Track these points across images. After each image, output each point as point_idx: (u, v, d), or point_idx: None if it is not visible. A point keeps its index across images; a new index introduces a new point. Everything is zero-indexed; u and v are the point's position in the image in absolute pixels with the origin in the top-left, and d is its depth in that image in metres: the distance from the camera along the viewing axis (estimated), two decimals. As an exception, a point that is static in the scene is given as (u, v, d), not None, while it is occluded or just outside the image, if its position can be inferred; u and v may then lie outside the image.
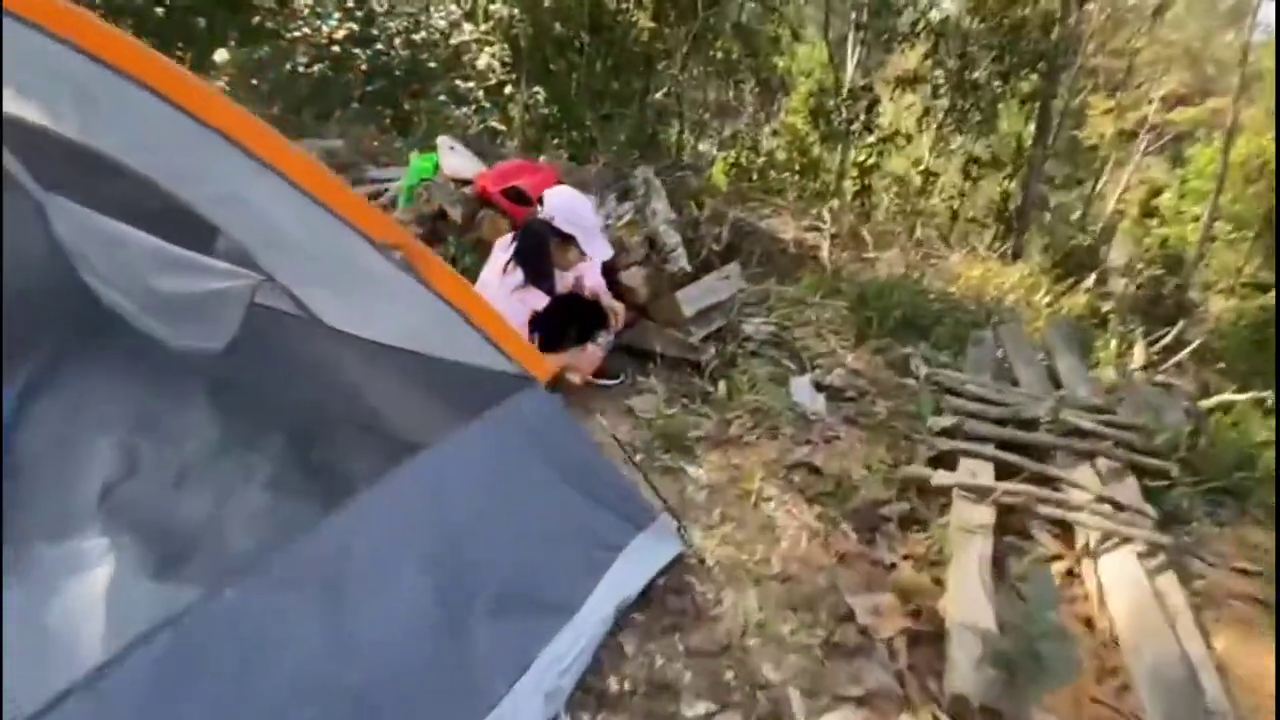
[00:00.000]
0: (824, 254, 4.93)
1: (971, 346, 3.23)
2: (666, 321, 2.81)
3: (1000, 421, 2.45)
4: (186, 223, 1.48)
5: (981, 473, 2.16)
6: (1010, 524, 2.09)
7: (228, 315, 1.76)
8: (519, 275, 2.23)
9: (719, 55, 8.10)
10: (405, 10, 6.68)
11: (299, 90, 6.05)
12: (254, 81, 6.24)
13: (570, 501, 1.49)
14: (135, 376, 2.12)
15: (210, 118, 1.15)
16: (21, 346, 2.01)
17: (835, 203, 6.66)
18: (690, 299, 2.82)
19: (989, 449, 2.29)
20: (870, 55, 9.60)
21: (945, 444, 2.31)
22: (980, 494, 2.03)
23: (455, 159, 3.04)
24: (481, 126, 6.44)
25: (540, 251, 2.24)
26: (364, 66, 6.24)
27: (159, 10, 6.57)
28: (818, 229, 5.46)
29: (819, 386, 2.90)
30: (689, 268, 2.81)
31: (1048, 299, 5.07)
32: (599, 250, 2.27)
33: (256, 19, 6.14)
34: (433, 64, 6.68)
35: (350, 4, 6.32)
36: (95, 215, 1.73)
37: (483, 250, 2.96)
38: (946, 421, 2.40)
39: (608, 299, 2.57)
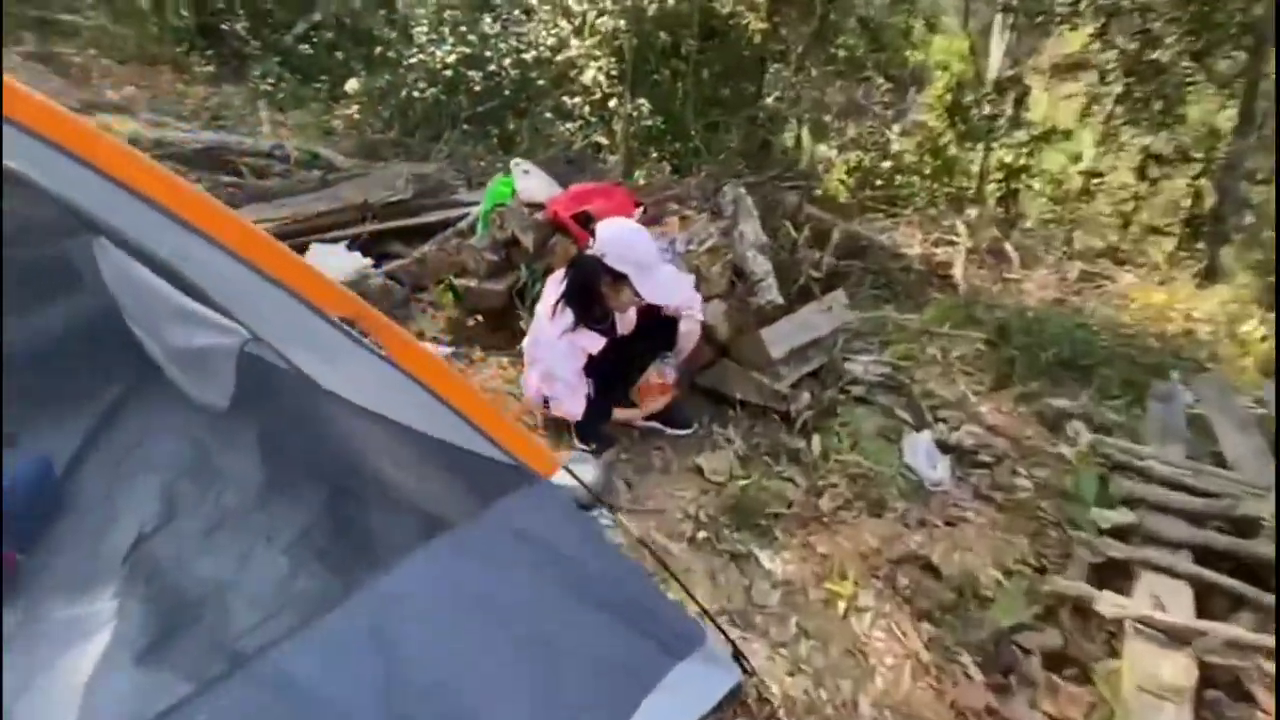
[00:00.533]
0: (957, 273, 4.24)
1: (1153, 401, 2.51)
2: (750, 363, 2.41)
3: (1200, 519, 1.80)
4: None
5: (1173, 598, 1.56)
6: (1215, 675, 1.48)
7: (223, 370, 1.63)
8: (569, 316, 1.95)
9: (841, 53, 7.46)
10: (515, 31, 6.71)
11: (414, 115, 6.24)
12: (379, 108, 6.52)
13: (582, 627, 1.16)
14: (196, 414, 2.08)
15: (143, 186, 0.96)
16: (84, 395, 2.03)
17: (974, 211, 5.82)
18: (779, 337, 2.40)
19: (1184, 560, 1.67)
20: (1020, 42, 8.46)
21: (1117, 548, 1.72)
22: (1173, 636, 1.44)
23: (529, 182, 2.84)
24: (585, 141, 6.31)
25: (589, 291, 1.95)
26: (476, 88, 6.33)
27: (304, 47, 7.13)
28: (950, 242, 4.74)
29: (942, 447, 2.36)
30: (780, 299, 2.39)
31: (1261, 333, 3.95)
32: (654, 292, 1.94)
33: (379, 49, 6.44)
34: (541, 81, 6.67)
35: (464, 29, 6.45)
36: (128, 259, 1.66)
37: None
38: (1119, 517, 1.80)
39: (688, 321, 2.23)
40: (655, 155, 6.10)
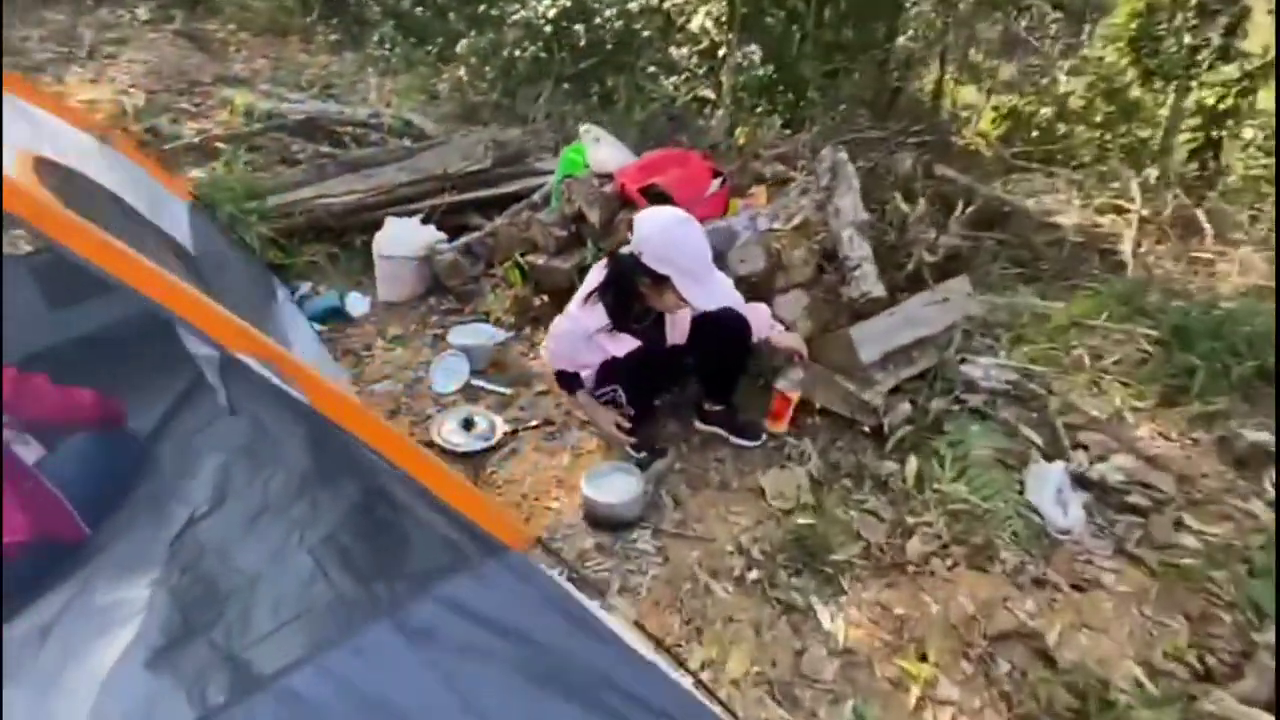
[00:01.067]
0: (1126, 249, 3.46)
1: (1405, 440, 1.85)
2: (836, 366, 2.05)
3: None
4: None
5: None
6: None
7: (214, 376, 1.56)
8: (601, 314, 1.71)
9: (999, -21, 6.38)
10: (620, -21, 6.34)
11: (516, 74, 6.12)
12: (485, 69, 6.47)
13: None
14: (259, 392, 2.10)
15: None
16: (167, 376, 2.10)
17: (1155, 169, 4.78)
18: (874, 336, 2.01)
19: None
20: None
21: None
22: None
23: (600, 151, 2.58)
24: (688, 96, 5.89)
25: (624, 294, 1.68)
26: (579, 43, 6.08)
27: (419, 10, 7.22)
28: (1120, 209, 3.90)
29: (1079, 481, 1.89)
30: (878, 291, 1.99)
31: None
32: (701, 297, 1.63)
33: (483, 7, 6.34)
34: (646, 32, 6.28)
35: (566, -20, 6.17)
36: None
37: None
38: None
39: (782, 337, 1.95)
40: (764, 108, 5.56)
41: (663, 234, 1.61)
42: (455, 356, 2.34)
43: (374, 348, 2.56)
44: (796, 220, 2.19)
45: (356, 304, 2.77)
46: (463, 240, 2.96)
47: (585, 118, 5.84)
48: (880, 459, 1.95)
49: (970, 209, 3.11)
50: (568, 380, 1.93)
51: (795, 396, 2.06)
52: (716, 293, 1.70)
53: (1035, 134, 6.26)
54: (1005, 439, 2.04)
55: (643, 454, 1.94)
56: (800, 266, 2.00)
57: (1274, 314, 2.54)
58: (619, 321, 1.70)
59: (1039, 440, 2.05)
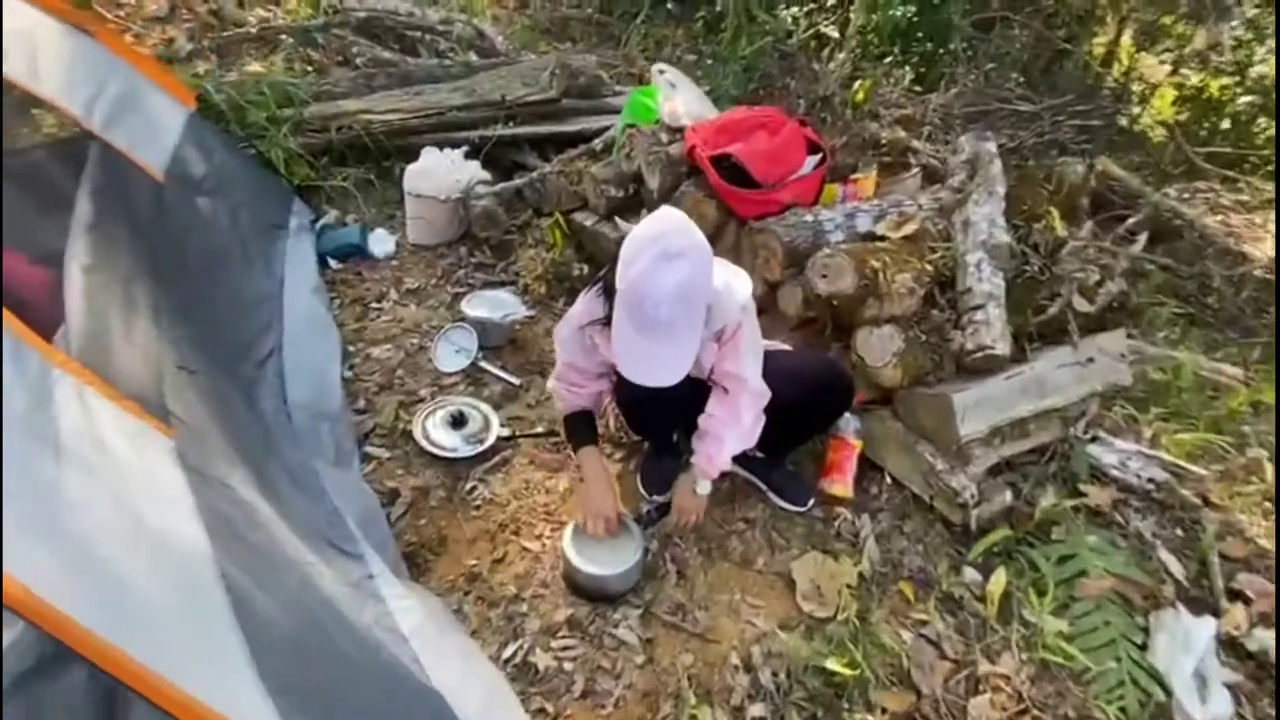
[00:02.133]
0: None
1: None
2: (923, 431, 1.57)
3: None
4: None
5: None
6: None
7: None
8: (601, 304, 1.29)
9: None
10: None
11: (612, -11, 5.47)
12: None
13: None
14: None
15: None
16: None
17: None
18: (984, 404, 1.51)
19: None
20: None
21: None
22: None
23: (674, 99, 2.08)
24: (808, 32, 5.11)
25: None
26: (694, -47, 5.35)
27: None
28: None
29: (1232, 649, 1.39)
30: (999, 348, 1.47)
31: None
32: (629, 366, 1.18)
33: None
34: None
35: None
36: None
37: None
38: None
39: (686, 498, 1.47)
40: (894, 58, 4.73)
41: (634, 279, 1.13)
42: (464, 330, 2.00)
43: (386, 299, 2.25)
44: (909, 228, 1.66)
45: (381, 242, 2.45)
46: (508, 184, 2.57)
47: (685, 45, 5.20)
48: (956, 564, 1.50)
49: (1139, 231, 2.45)
50: (576, 427, 1.50)
51: (859, 446, 1.61)
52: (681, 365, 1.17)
53: (1226, 126, 5.10)
54: (1134, 562, 1.54)
55: (653, 501, 1.56)
56: (902, 296, 1.50)
57: None
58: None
59: (1180, 574, 1.54)
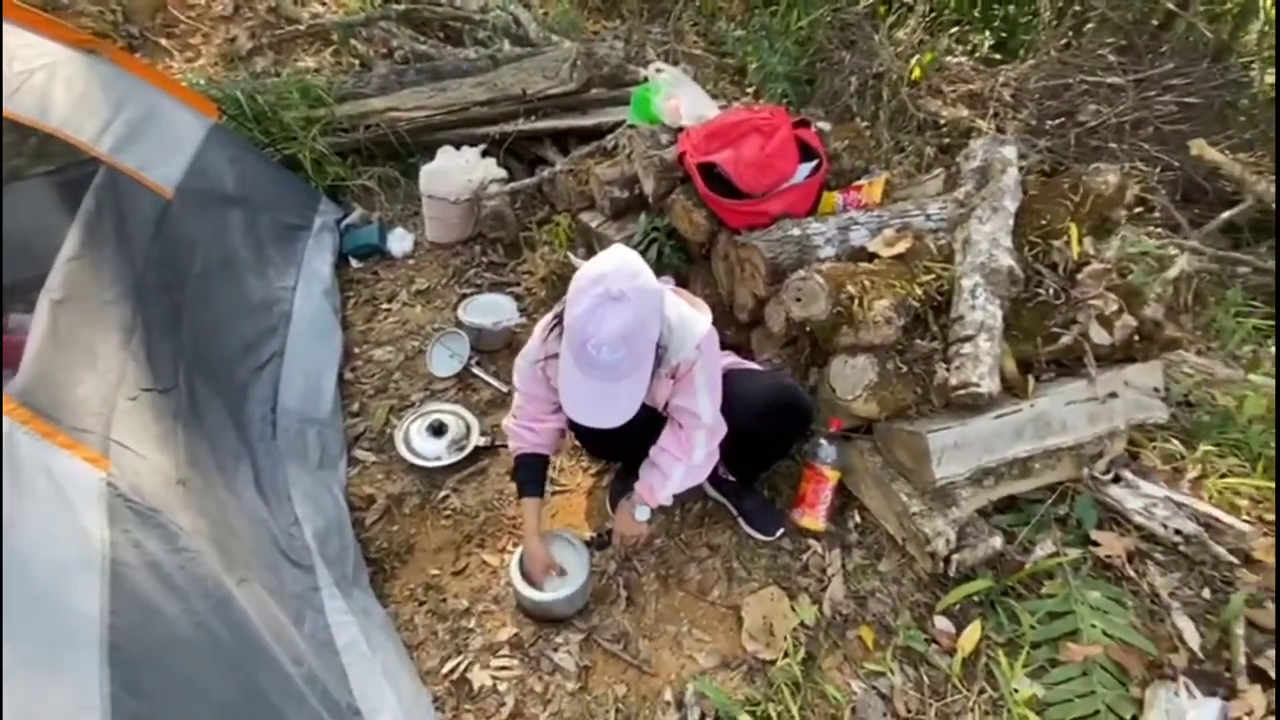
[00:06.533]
0: None
1: None
2: (900, 467, 1.46)
3: None
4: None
5: None
6: None
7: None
8: (556, 340, 1.25)
9: None
10: None
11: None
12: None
13: None
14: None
15: None
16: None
17: None
18: (965, 446, 1.38)
19: None
20: None
21: None
22: None
23: (672, 97, 1.98)
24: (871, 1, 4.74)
25: None
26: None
27: None
28: None
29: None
30: (984, 386, 1.32)
31: None
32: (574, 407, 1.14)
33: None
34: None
35: None
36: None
37: (683, 247, 1.98)
38: None
39: (627, 523, 1.42)
40: (969, 23, 4.29)
41: (576, 319, 1.09)
42: (458, 335, 2.03)
43: (396, 299, 2.33)
44: (901, 245, 1.52)
45: (399, 241, 2.52)
46: (521, 183, 2.56)
47: (739, 19, 4.95)
48: (927, 618, 1.40)
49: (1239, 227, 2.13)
50: (523, 474, 1.45)
51: (834, 478, 1.52)
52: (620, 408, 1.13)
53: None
54: (1138, 626, 1.38)
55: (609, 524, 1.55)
56: (879, 325, 1.38)
57: None
58: None
59: (1195, 643, 1.36)
